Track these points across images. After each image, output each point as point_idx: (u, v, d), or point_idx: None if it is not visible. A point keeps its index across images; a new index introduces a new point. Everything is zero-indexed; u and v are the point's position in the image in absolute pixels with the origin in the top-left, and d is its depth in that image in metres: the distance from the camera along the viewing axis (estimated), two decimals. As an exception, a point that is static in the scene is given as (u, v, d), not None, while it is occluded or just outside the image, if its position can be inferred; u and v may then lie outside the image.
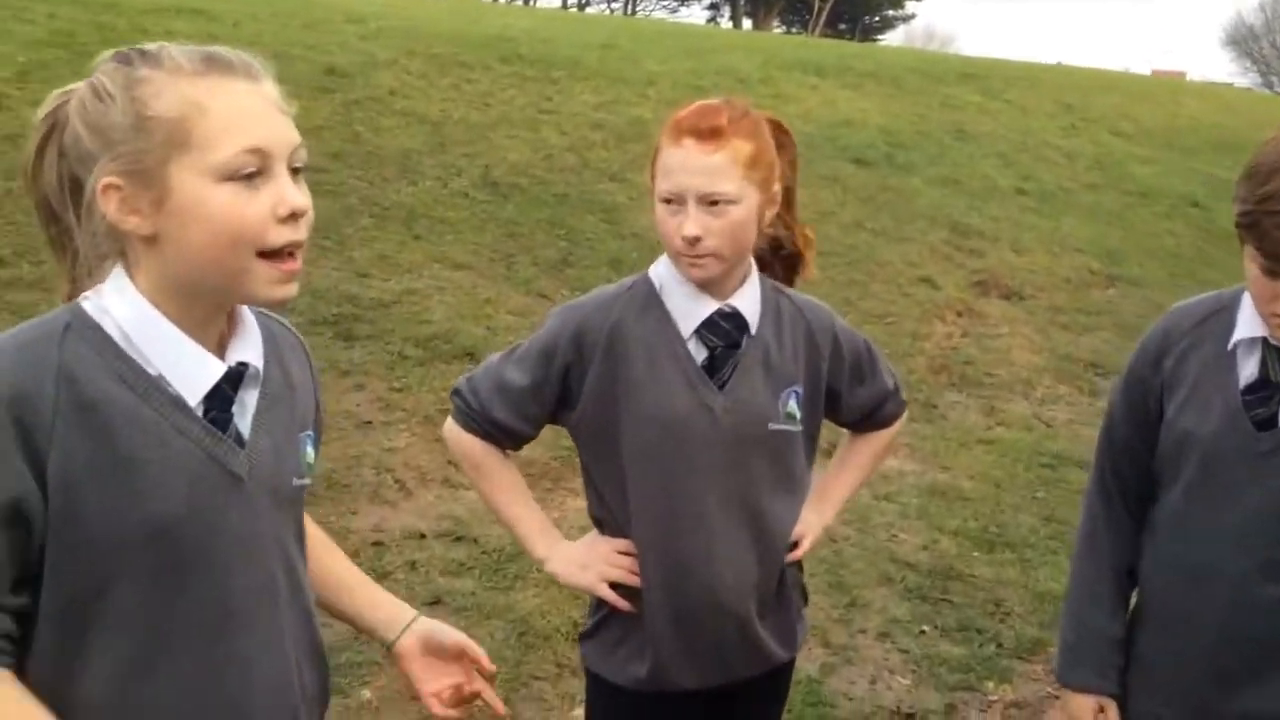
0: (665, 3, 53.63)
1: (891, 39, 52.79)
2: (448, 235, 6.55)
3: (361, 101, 8.35)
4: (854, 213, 8.88)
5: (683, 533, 1.92)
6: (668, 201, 1.88)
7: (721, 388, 1.91)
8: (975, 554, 4.55)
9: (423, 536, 4.12)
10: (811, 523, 2.06)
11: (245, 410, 1.34)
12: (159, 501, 1.25)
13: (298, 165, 1.28)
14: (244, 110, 1.24)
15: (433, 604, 3.79)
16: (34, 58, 7.68)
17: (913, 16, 59.63)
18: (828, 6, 46.56)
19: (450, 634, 1.61)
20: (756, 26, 44.31)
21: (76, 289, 1.33)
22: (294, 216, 1.25)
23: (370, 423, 4.70)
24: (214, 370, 1.30)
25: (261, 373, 1.36)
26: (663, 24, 25.35)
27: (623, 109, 9.59)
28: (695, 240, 1.83)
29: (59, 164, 1.31)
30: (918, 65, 14.87)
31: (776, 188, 1.94)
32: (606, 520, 2.01)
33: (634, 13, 48.96)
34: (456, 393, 2.04)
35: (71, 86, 1.32)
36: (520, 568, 4.03)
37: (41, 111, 1.32)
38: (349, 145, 7.50)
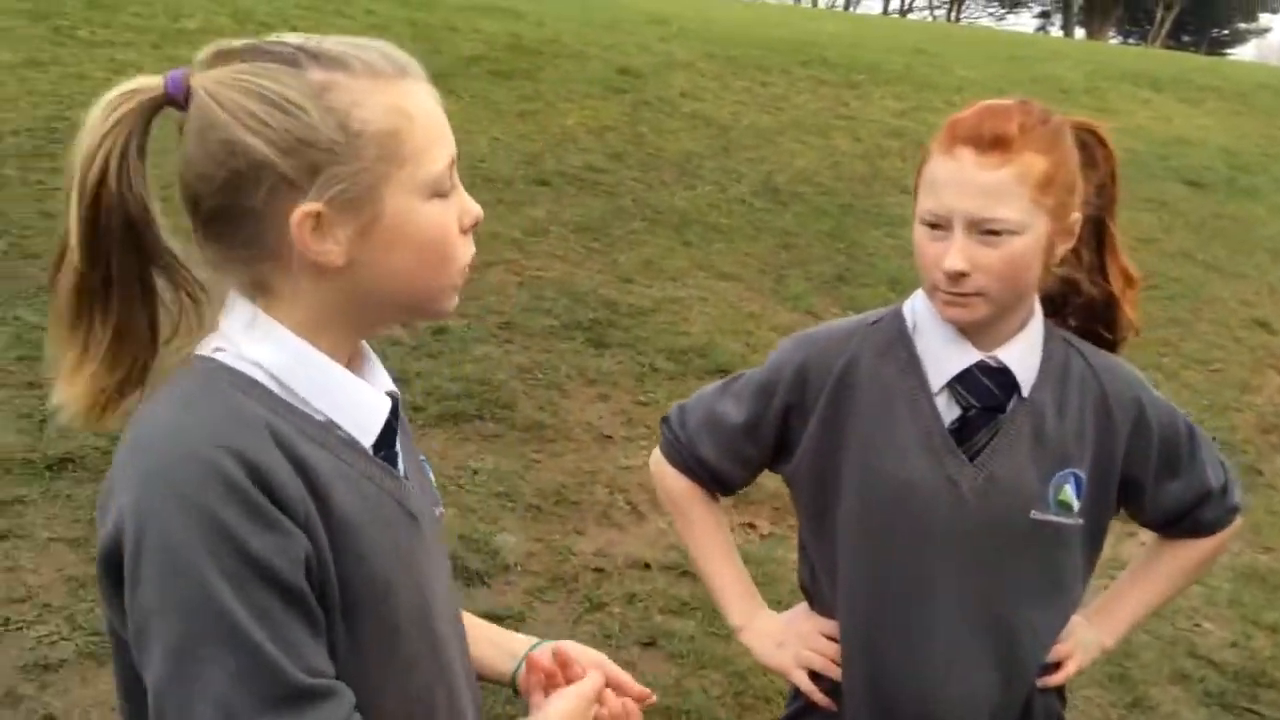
0: (992, 9, 51.58)
1: (1242, 53, 48.64)
2: (718, 243, 6.24)
3: (651, 102, 8.20)
4: (1181, 241, 7.94)
5: (898, 630, 1.63)
6: (931, 225, 1.52)
7: (973, 458, 1.58)
8: (1298, 658, 3.80)
9: (647, 567, 3.80)
10: (1086, 642, 1.70)
11: (399, 439, 1.22)
12: (379, 560, 1.11)
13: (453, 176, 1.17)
14: (438, 117, 1.12)
15: (647, 644, 3.48)
16: (345, 51, 7.95)
17: (1267, 30, 54.73)
18: (1171, 16, 43.30)
19: (589, 653, 1.43)
20: (1090, 37, 41.78)
21: (182, 339, 1.11)
22: (473, 227, 1.15)
23: (610, 437, 4.44)
24: (381, 406, 1.15)
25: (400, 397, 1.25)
26: (983, 30, 24.19)
27: (925, 116, 9.01)
28: (959, 276, 1.50)
29: (143, 182, 1.06)
30: (1269, 81, 13.36)
31: (1075, 216, 1.54)
32: (816, 595, 1.74)
33: (958, 19, 47.34)
34: (666, 421, 1.82)
35: (141, 83, 1.06)
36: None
37: (105, 117, 1.05)
38: (631, 146, 7.34)
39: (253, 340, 1.08)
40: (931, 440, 1.58)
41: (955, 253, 1.49)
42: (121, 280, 1.08)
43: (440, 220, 1.10)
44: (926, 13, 50.88)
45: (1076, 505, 1.60)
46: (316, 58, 1.05)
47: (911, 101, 9.31)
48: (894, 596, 1.61)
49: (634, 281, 5.63)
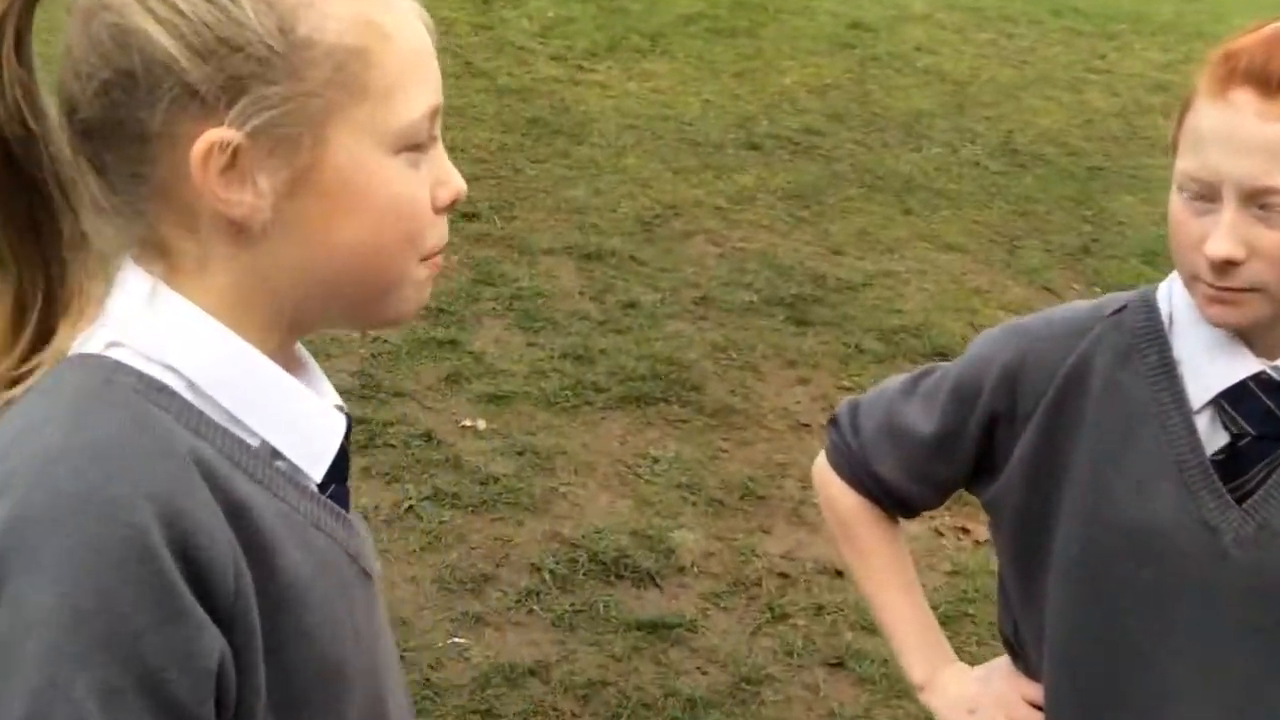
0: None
1: None
2: (944, 210, 5.70)
3: (881, 58, 7.66)
4: None
5: (1122, 710, 1.30)
6: (1193, 195, 1.16)
7: (1241, 501, 1.23)
8: None
9: (839, 575, 3.40)
10: None
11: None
12: (329, 637, 0.84)
13: (435, 133, 0.87)
14: (426, 48, 0.85)
15: (834, 665, 3.11)
16: (562, 12, 7.76)
17: None
18: None
19: None
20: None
21: (57, 311, 0.84)
22: (452, 205, 0.87)
23: (808, 425, 4.04)
24: (335, 427, 0.88)
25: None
26: (1269, -24, 22.06)
27: (1194, 70, 8.07)
28: (1227, 265, 1.13)
29: (35, 93, 0.81)
30: None
31: None
32: (1020, 652, 1.42)
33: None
34: (835, 422, 1.49)
35: None
36: (949, 634, 3.20)
37: None
38: (854, 105, 6.84)
39: (156, 328, 0.80)
40: (1186, 473, 1.22)
41: (1223, 233, 1.12)
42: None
43: (405, 184, 0.82)
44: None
45: None
46: None
47: (1178, 53, 8.38)
48: (1120, 669, 1.29)
49: (845, 253, 5.18)
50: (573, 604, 3.10)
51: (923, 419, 1.37)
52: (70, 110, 0.79)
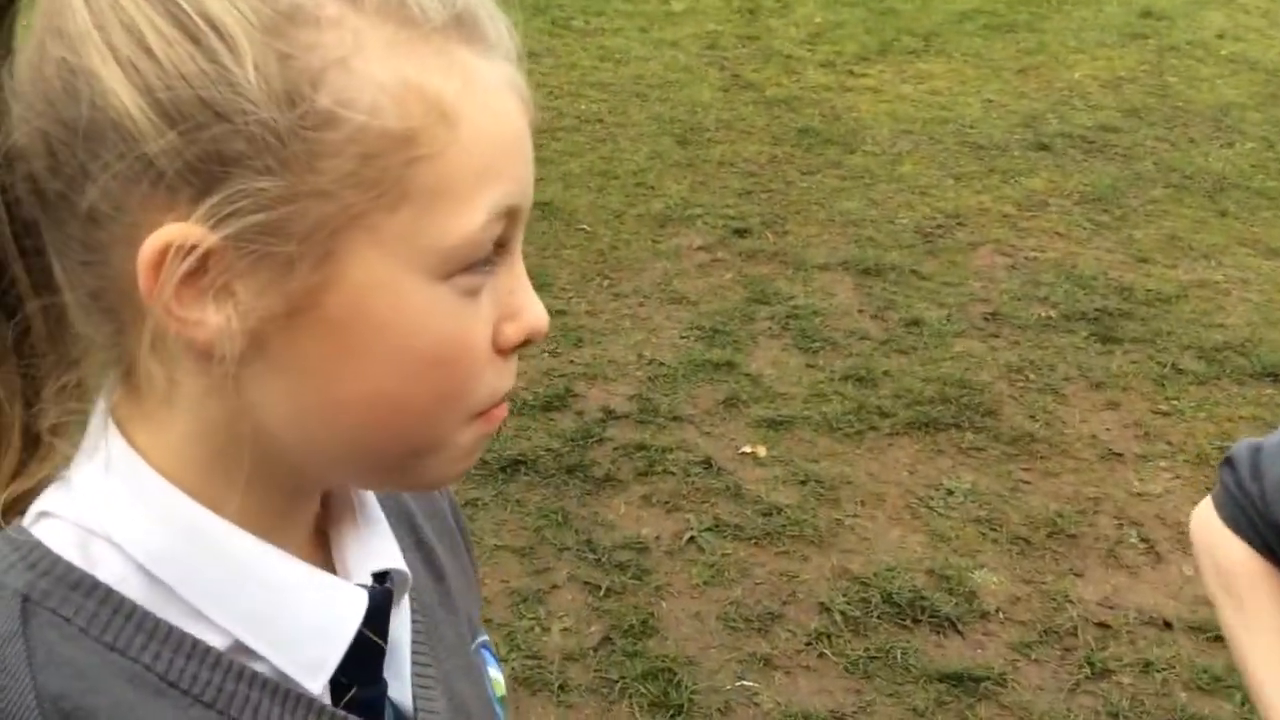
0: None
1: None
2: (1265, 211, 5.12)
3: (1179, 47, 7.04)
4: None
5: None
6: None
7: None
8: None
9: (1167, 626, 3.03)
10: None
11: (396, 653, 0.68)
12: None
13: (514, 246, 0.63)
14: (508, 135, 0.59)
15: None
16: (830, 18, 7.54)
17: None
18: None
19: None
20: None
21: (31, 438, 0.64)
22: (525, 344, 0.63)
23: (1121, 455, 3.65)
24: (347, 609, 0.63)
25: (409, 574, 0.70)
26: None
27: None
28: None
29: None
30: None
31: None
32: None
33: None
34: (1230, 464, 1.32)
35: None
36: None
37: None
38: (1153, 99, 6.29)
39: (101, 488, 0.60)
40: None
41: None
42: None
43: (452, 321, 0.58)
44: None
45: None
46: None
47: None
48: None
49: (1153, 261, 4.71)
50: (867, 649, 2.87)
51: None
52: (6, 162, 0.59)
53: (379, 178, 0.55)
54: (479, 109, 0.57)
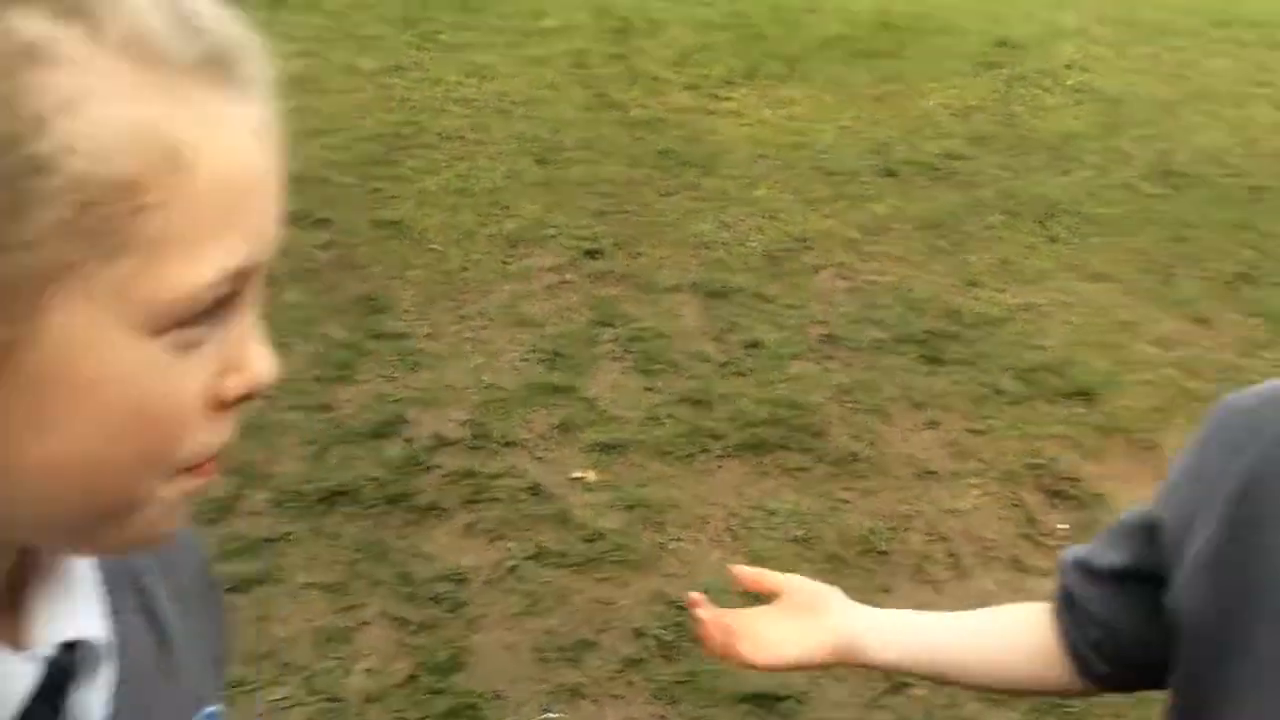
0: None
1: None
2: (1093, 237, 5.37)
3: (1028, 76, 7.32)
4: None
5: None
6: None
7: None
8: None
9: (964, 640, 3.19)
10: None
11: (89, 716, 0.65)
12: None
13: (246, 298, 0.60)
14: (250, 181, 0.56)
15: (959, 742, 2.90)
16: (700, 40, 7.67)
17: None
18: None
19: None
20: None
21: None
22: (245, 399, 0.59)
23: (935, 473, 3.83)
24: (9, 683, 0.61)
25: (113, 641, 0.67)
26: None
27: (1376, 76, 7.49)
28: None
29: None
30: None
31: None
32: None
33: None
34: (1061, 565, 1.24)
35: None
36: (1091, 708, 2.96)
37: None
38: (999, 128, 6.54)
39: None
40: None
41: None
42: None
43: (159, 380, 0.55)
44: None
45: None
46: None
47: (1358, 59, 7.80)
48: None
49: (983, 285, 4.92)
50: (676, 673, 2.97)
51: (1106, 547, 1.17)
52: None
53: (98, 227, 0.51)
54: (217, 156, 0.54)
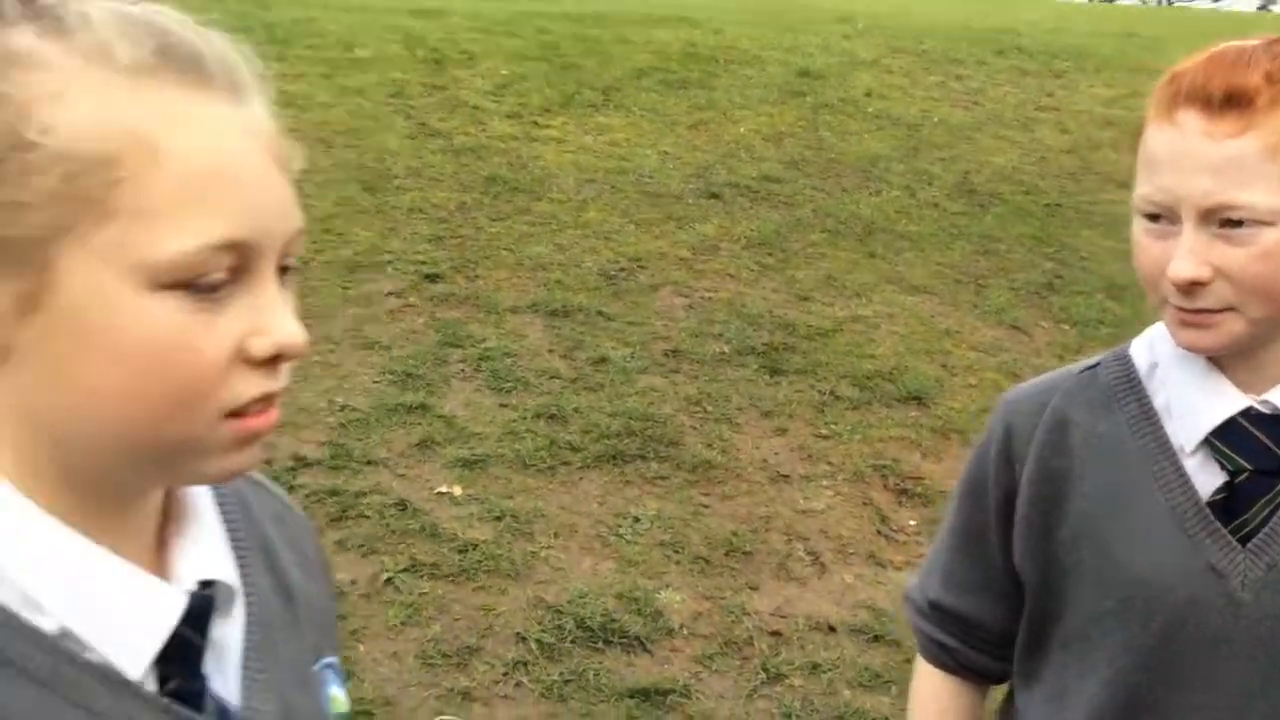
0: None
1: None
2: (907, 252, 5.69)
3: (832, 104, 7.70)
4: None
5: None
6: (1151, 217, 1.12)
7: (1245, 541, 1.15)
8: None
9: (832, 630, 3.32)
10: None
11: (224, 656, 0.76)
12: None
13: (289, 263, 0.72)
14: (225, 169, 0.68)
15: (834, 727, 3.01)
16: (515, 70, 7.75)
17: None
18: None
19: None
20: (1317, 12, 38.65)
21: None
22: (278, 359, 0.70)
23: (788, 476, 3.98)
24: (166, 608, 0.71)
25: (240, 587, 0.78)
26: (1199, 11, 22.63)
27: (1140, 103, 8.17)
28: (1193, 285, 1.10)
29: None
30: None
31: None
32: None
33: (1171, 2, 44.73)
34: (909, 602, 1.43)
35: None
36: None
37: None
38: (810, 152, 6.86)
39: None
40: (1183, 519, 1.16)
41: (1184, 254, 1.09)
42: None
43: (165, 329, 0.66)
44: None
45: None
46: (38, 12, 0.66)
47: (1124, 88, 8.50)
48: None
49: (813, 299, 5.14)
50: (562, 673, 2.99)
51: (954, 519, 1.34)
52: None
53: (84, 194, 0.64)
54: (184, 140, 0.66)
